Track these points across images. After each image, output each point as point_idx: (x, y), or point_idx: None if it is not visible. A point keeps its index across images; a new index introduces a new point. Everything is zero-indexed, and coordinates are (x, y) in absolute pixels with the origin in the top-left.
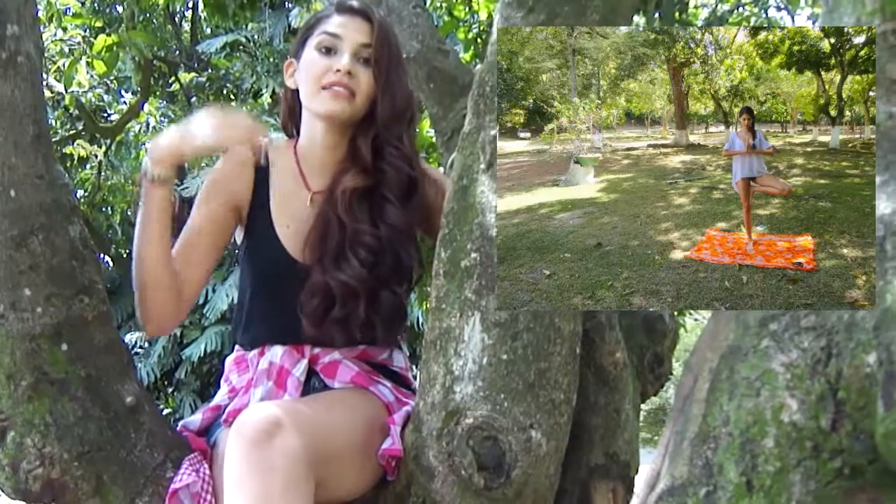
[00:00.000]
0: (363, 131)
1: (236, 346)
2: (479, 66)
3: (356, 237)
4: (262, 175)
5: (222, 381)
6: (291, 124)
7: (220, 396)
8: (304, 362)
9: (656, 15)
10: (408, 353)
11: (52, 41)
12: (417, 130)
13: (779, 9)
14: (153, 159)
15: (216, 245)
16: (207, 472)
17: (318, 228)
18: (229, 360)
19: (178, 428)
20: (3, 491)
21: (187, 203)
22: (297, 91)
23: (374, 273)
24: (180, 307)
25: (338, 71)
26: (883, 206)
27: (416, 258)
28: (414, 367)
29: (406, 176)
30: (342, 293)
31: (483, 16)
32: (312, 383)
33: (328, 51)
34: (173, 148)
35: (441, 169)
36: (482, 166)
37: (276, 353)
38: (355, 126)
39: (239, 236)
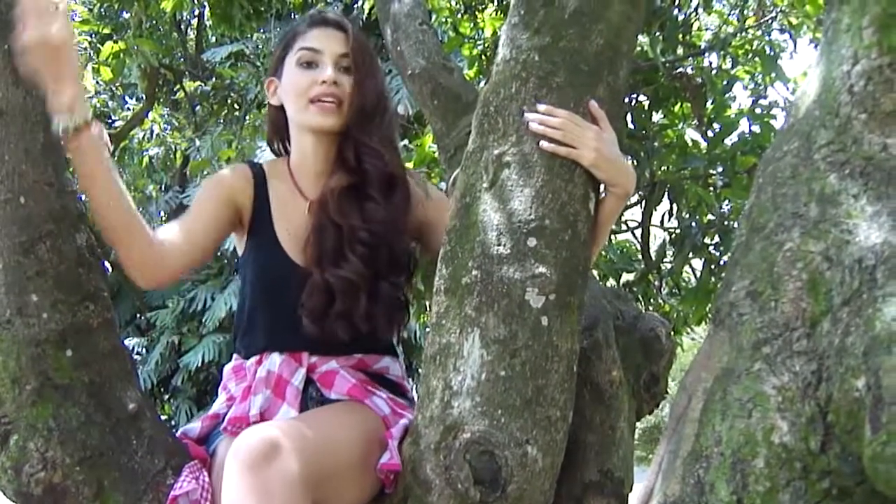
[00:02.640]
0: (345, 137)
1: (234, 355)
2: (483, 85)
3: (352, 234)
4: (261, 188)
5: (220, 390)
6: (277, 140)
7: (219, 404)
8: (303, 371)
9: (658, 36)
10: (405, 365)
11: None
12: (419, 143)
13: (782, 31)
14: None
15: (213, 231)
16: (207, 479)
17: (315, 232)
18: (227, 369)
19: (177, 435)
20: (4, 494)
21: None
22: (281, 108)
23: (371, 266)
24: (170, 261)
25: (323, 83)
26: (874, 237)
27: (409, 250)
28: (411, 379)
29: (381, 172)
30: (342, 288)
31: (488, 33)
32: (310, 392)
33: (309, 65)
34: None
35: (443, 185)
36: (485, 185)
37: (275, 361)
38: (342, 134)
39: (240, 246)
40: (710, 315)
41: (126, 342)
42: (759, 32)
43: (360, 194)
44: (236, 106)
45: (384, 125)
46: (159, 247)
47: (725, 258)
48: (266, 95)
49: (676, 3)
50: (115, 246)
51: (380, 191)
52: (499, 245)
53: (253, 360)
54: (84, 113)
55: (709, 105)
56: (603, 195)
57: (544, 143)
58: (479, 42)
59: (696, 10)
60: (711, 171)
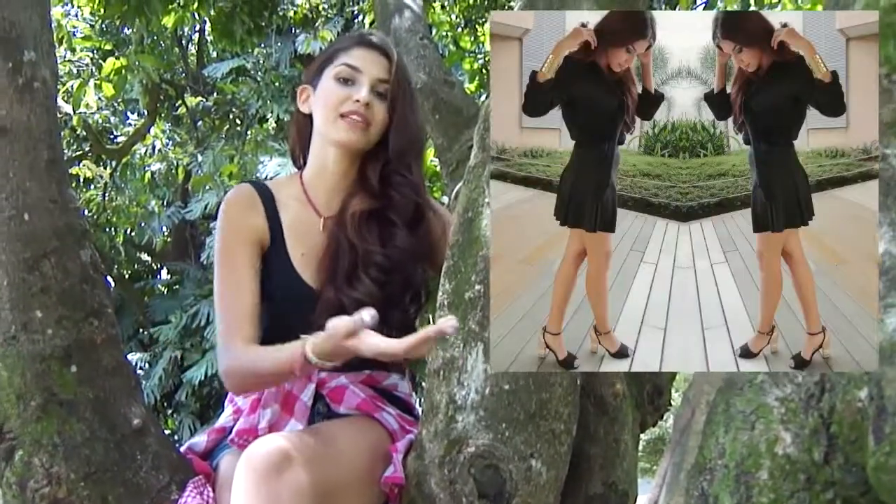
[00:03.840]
0: (373, 159)
1: None
2: (484, 100)
3: (367, 258)
4: (271, 208)
5: (227, 403)
6: (300, 149)
7: (225, 418)
8: (312, 387)
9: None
10: (410, 380)
11: (61, 62)
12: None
13: None
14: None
15: (259, 283)
16: (211, 495)
17: (330, 252)
18: None
19: (183, 450)
20: None
21: (189, 225)
22: (309, 116)
23: (385, 292)
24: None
25: (356, 101)
26: (881, 248)
27: (423, 280)
28: (415, 393)
29: (413, 203)
30: (354, 310)
31: (489, 47)
32: (318, 408)
33: (346, 81)
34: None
35: (445, 199)
36: (487, 200)
37: None
38: (365, 154)
39: None
40: None
41: (129, 357)
42: None
43: (381, 219)
44: (238, 121)
45: (420, 156)
46: None
47: None
48: (270, 111)
49: (676, 9)
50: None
51: (405, 219)
52: None
53: None
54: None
55: None
56: None
57: None
58: (479, 56)
59: None
60: None
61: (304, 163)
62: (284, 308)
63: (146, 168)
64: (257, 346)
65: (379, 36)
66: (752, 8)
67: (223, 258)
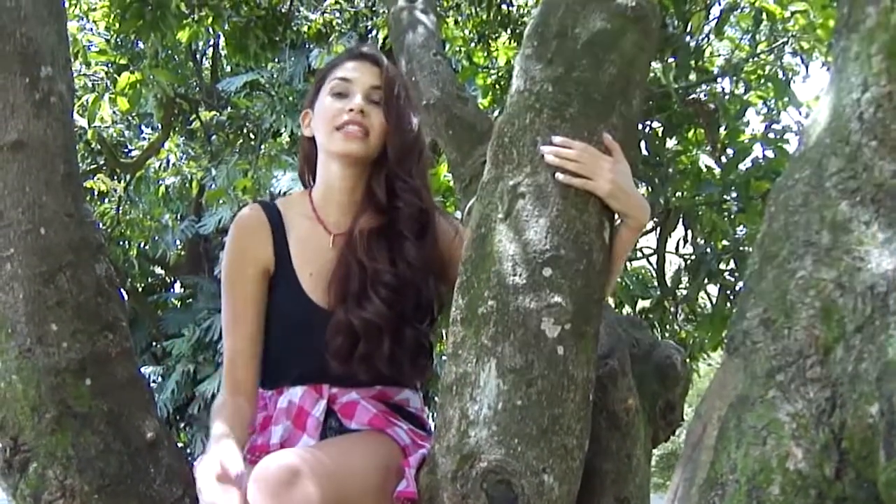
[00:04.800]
0: (377, 171)
1: None
2: (498, 115)
3: (376, 277)
4: (278, 231)
5: None
6: (308, 172)
7: None
8: (323, 403)
9: (671, 62)
10: (421, 394)
11: (76, 76)
12: (433, 172)
13: (794, 54)
14: None
15: (263, 316)
16: None
17: (339, 272)
18: None
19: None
20: None
21: (203, 239)
22: (313, 139)
23: (396, 310)
24: (255, 394)
25: (350, 111)
26: (886, 263)
27: (435, 292)
28: (427, 408)
29: (417, 209)
30: (365, 330)
31: (502, 62)
32: (330, 423)
33: (340, 95)
34: None
35: (458, 214)
36: (500, 215)
37: (296, 392)
38: (370, 167)
39: None
40: (725, 341)
41: (142, 370)
42: (771, 57)
43: (389, 234)
44: (251, 135)
45: (420, 160)
46: (251, 398)
47: (741, 284)
48: (284, 125)
49: (688, 29)
50: None
51: (412, 229)
52: (514, 275)
53: (273, 390)
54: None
55: (722, 131)
56: (617, 224)
57: (560, 176)
58: (492, 71)
59: (707, 36)
60: (726, 197)
61: (313, 182)
62: (294, 329)
63: (160, 182)
64: (225, 409)
65: (369, 46)
66: (764, 24)
67: (226, 288)
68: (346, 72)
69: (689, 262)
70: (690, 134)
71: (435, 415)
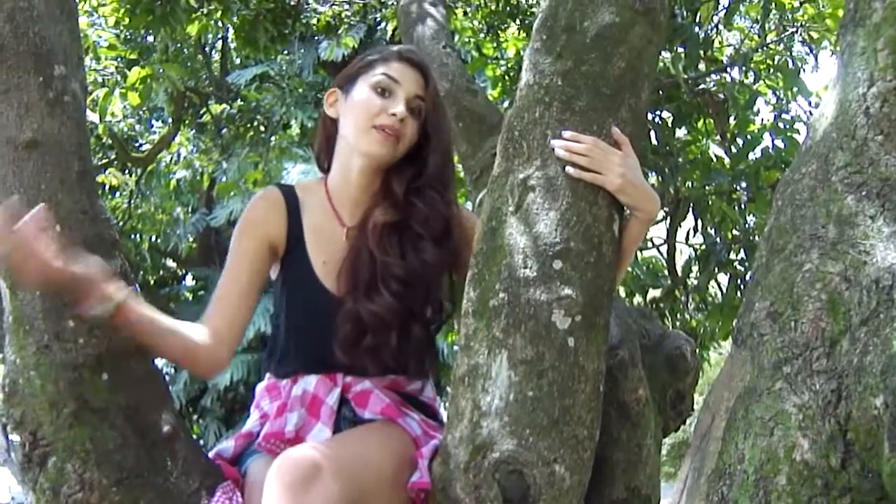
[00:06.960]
0: (398, 173)
1: (267, 375)
2: (508, 109)
3: (386, 269)
4: (294, 214)
5: (253, 408)
6: (325, 154)
7: (252, 423)
8: (337, 391)
9: (680, 53)
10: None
11: (86, 72)
12: None
13: (803, 44)
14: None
15: (255, 285)
16: (240, 500)
17: (350, 261)
18: (260, 388)
19: (211, 455)
20: None
21: (214, 232)
22: (335, 121)
23: (405, 304)
24: (224, 351)
25: (393, 115)
26: (891, 257)
27: (446, 293)
28: (440, 397)
29: (444, 219)
30: (373, 322)
31: (511, 53)
32: (343, 412)
33: (384, 92)
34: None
35: (469, 205)
36: (511, 209)
37: (310, 381)
38: (390, 167)
39: (273, 272)
40: (733, 332)
41: (155, 362)
42: (780, 47)
43: (403, 231)
44: (262, 128)
45: (451, 170)
46: (216, 340)
47: (750, 273)
48: (294, 117)
49: (697, 19)
50: (181, 365)
51: (433, 234)
52: (525, 268)
53: (287, 379)
54: (115, 296)
55: (732, 120)
56: (627, 216)
57: (570, 170)
58: (502, 62)
59: (716, 26)
60: (735, 187)
61: (329, 166)
62: (306, 313)
63: (171, 175)
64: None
65: (417, 54)
66: (773, 13)
67: (232, 244)
68: (395, 72)
69: (699, 251)
70: (700, 124)
71: (447, 405)
